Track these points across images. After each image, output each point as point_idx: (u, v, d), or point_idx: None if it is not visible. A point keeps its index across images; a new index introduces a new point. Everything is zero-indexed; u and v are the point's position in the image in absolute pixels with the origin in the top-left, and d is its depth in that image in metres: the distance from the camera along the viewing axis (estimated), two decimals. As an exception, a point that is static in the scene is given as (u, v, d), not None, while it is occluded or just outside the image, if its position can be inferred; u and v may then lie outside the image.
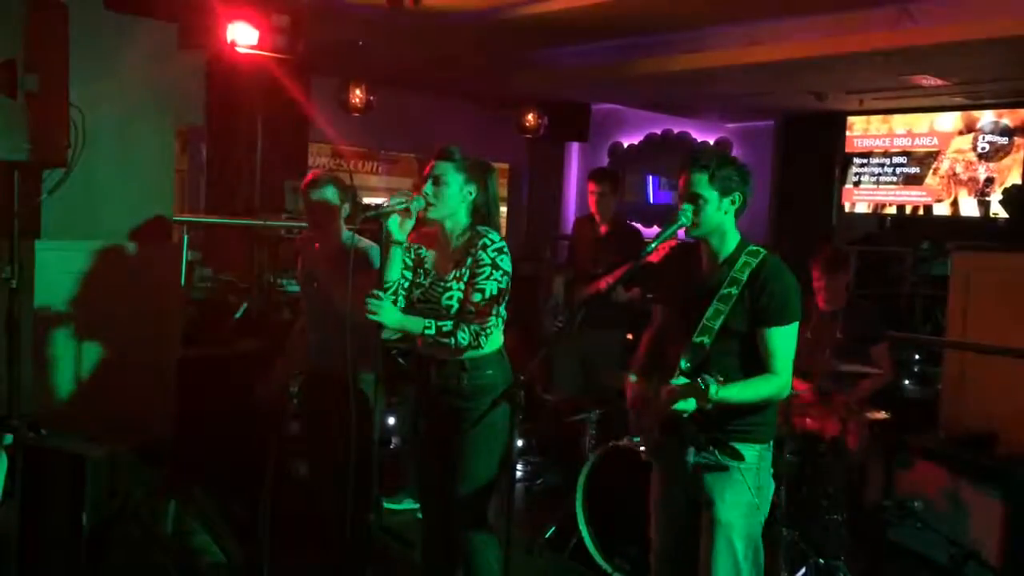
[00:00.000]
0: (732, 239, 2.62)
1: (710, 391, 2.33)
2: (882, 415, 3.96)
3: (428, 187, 2.86)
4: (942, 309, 5.43)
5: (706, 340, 2.51)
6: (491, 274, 2.83)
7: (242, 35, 4.93)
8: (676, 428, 2.56)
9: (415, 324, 2.82)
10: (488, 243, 2.85)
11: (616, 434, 4.02)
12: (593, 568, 3.87)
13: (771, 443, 2.65)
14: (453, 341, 2.82)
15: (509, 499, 2.74)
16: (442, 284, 2.90)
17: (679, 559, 2.71)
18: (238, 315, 5.03)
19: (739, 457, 2.54)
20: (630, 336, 5.42)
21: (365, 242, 3.41)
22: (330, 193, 3.42)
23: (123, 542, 3.43)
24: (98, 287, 4.13)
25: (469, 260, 2.85)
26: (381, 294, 2.77)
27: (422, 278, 2.96)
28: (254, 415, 4.19)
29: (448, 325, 2.82)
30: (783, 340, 2.53)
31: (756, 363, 2.54)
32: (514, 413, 2.69)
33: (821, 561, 3.64)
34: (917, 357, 6.60)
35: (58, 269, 4.00)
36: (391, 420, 5.13)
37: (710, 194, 2.55)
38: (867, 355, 4.20)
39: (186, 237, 5.22)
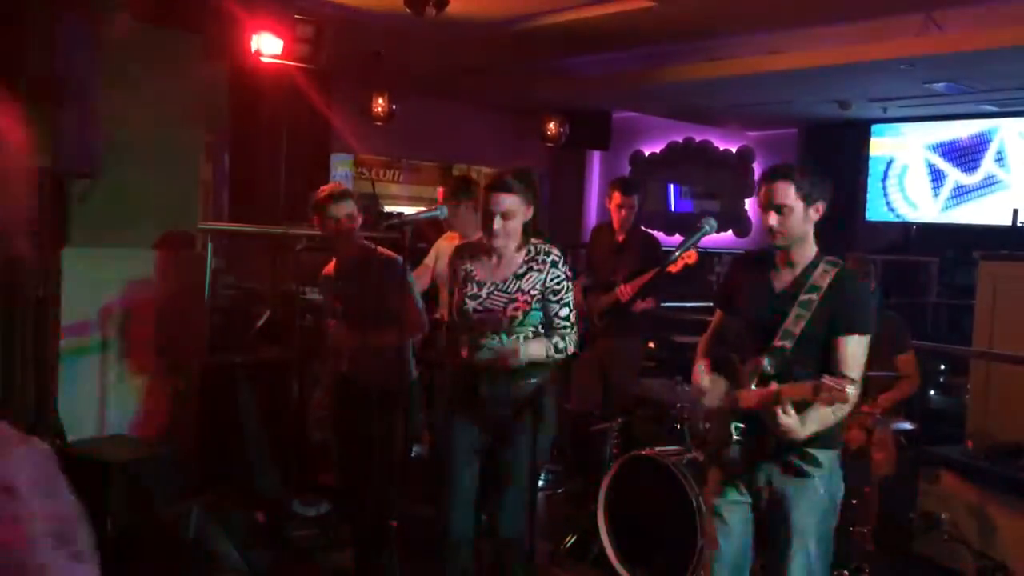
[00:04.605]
0: (812, 247, 2.65)
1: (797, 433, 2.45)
2: (908, 425, 3.92)
3: (498, 223, 2.88)
4: (969, 318, 5.35)
5: (788, 344, 2.53)
6: (568, 288, 3.00)
7: (266, 45, 4.96)
8: (755, 440, 2.58)
9: (539, 350, 2.92)
10: (556, 259, 2.98)
11: (638, 443, 3.99)
12: (615, 578, 3.85)
13: (841, 445, 2.69)
14: (563, 354, 2.96)
15: (531, 508, 2.74)
16: (505, 294, 2.94)
17: (743, 564, 2.71)
18: (260, 323, 5.06)
19: (819, 464, 2.56)
20: (651, 344, 5.39)
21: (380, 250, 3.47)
22: (351, 205, 3.48)
23: (146, 548, 3.45)
24: (124, 295, 4.17)
25: (537, 274, 2.94)
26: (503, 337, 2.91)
27: (473, 290, 2.98)
28: (279, 422, 4.20)
29: (561, 342, 2.94)
30: (856, 349, 2.53)
31: (831, 374, 2.52)
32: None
33: (847, 572, 3.60)
34: (943, 367, 6.52)
35: (85, 277, 4.04)
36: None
37: (795, 203, 2.57)
38: (892, 364, 4.16)
39: (211, 245, 5.25)
